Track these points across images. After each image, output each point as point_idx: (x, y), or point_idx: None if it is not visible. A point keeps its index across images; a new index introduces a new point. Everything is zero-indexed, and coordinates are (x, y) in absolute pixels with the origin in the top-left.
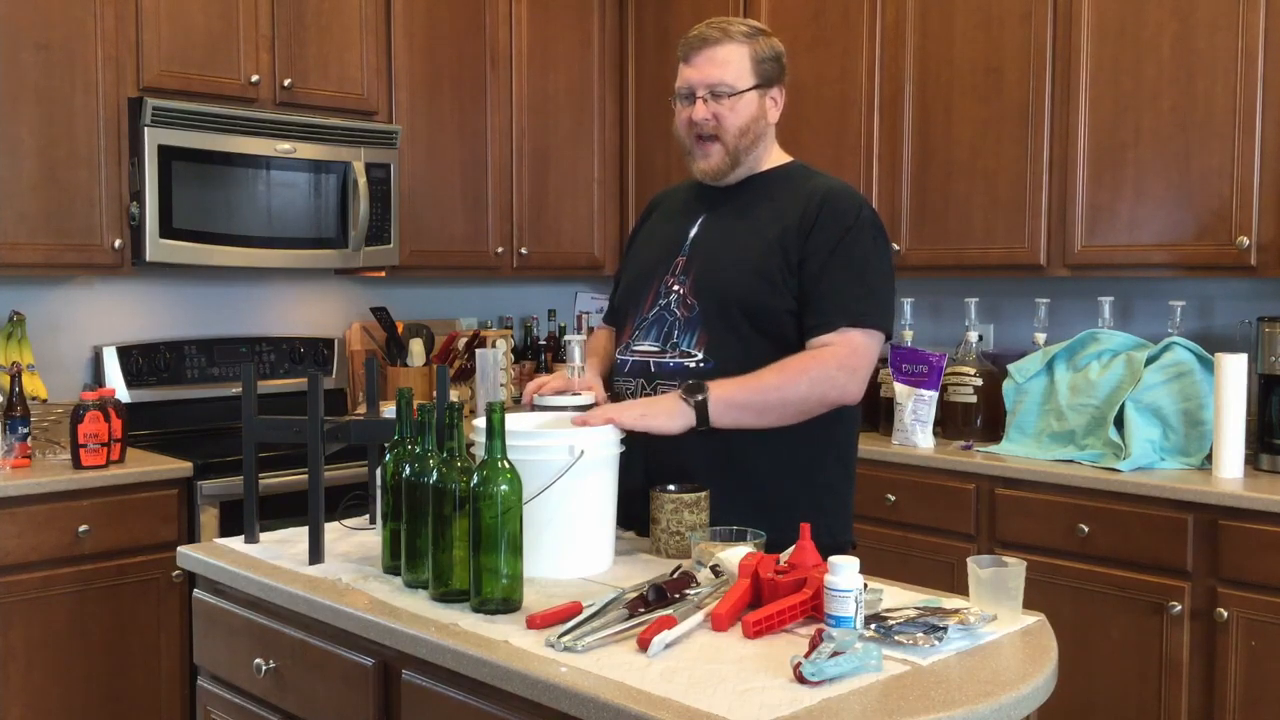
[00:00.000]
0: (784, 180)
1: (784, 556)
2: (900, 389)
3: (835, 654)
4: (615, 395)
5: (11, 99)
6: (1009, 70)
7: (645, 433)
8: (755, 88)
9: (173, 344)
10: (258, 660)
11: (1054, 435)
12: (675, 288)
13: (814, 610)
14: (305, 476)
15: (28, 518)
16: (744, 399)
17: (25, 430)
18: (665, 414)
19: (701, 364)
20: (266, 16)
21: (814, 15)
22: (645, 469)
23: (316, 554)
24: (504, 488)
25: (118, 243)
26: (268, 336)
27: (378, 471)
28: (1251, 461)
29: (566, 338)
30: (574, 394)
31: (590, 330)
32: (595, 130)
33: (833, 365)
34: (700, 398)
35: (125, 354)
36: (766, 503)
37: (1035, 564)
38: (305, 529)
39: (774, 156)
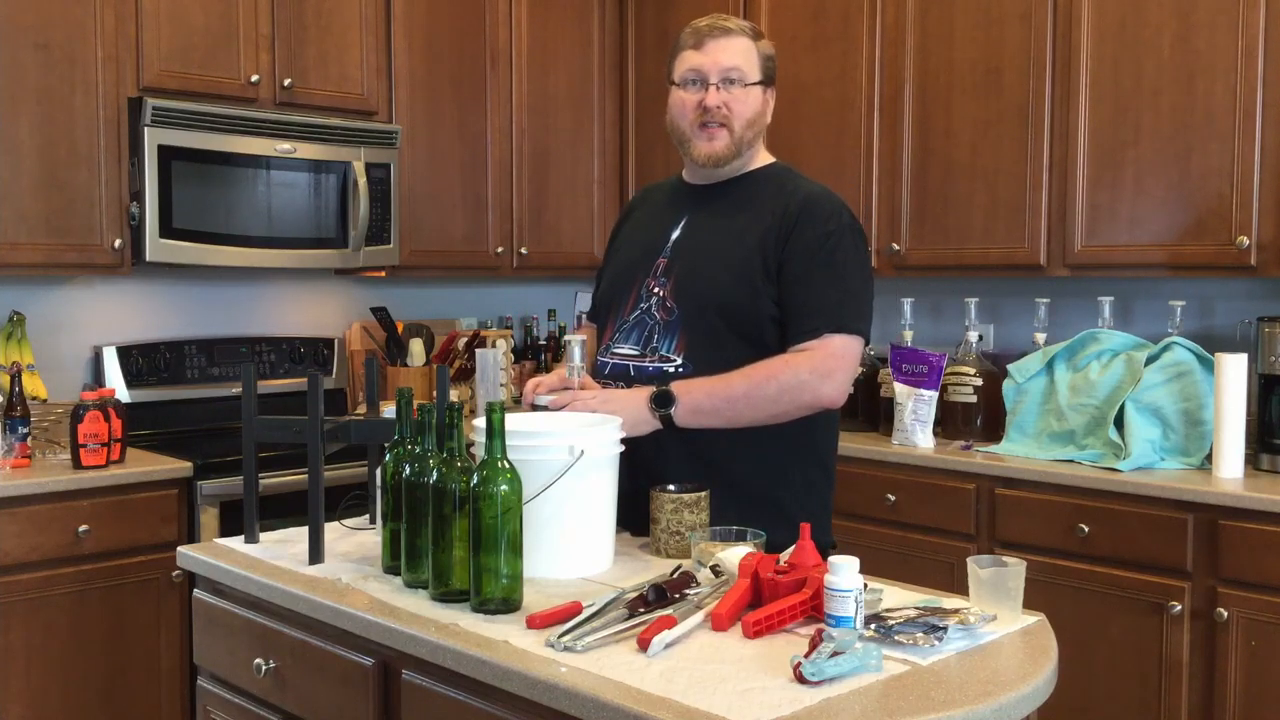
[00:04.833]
0: (767, 182)
1: (784, 556)
2: (900, 389)
3: (835, 654)
4: None
5: (11, 99)
6: (1009, 70)
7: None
8: (760, 83)
9: (173, 344)
10: (258, 660)
11: (1054, 435)
12: (656, 290)
13: (814, 610)
14: (305, 476)
15: (28, 518)
16: (711, 406)
17: (25, 430)
18: (630, 424)
19: (680, 369)
20: (266, 16)
21: (814, 15)
22: (629, 473)
23: (316, 554)
24: (504, 488)
25: (118, 243)
26: (268, 336)
27: (378, 471)
28: (1251, 461)
29: (566, 338)
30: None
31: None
32: (595, 130)
33: (804, 369)
34: (665, 412)
35: (125, 354)
36: (749, 505)
37: (1035, 564)
38: (305, 529)
39: (761, 157)
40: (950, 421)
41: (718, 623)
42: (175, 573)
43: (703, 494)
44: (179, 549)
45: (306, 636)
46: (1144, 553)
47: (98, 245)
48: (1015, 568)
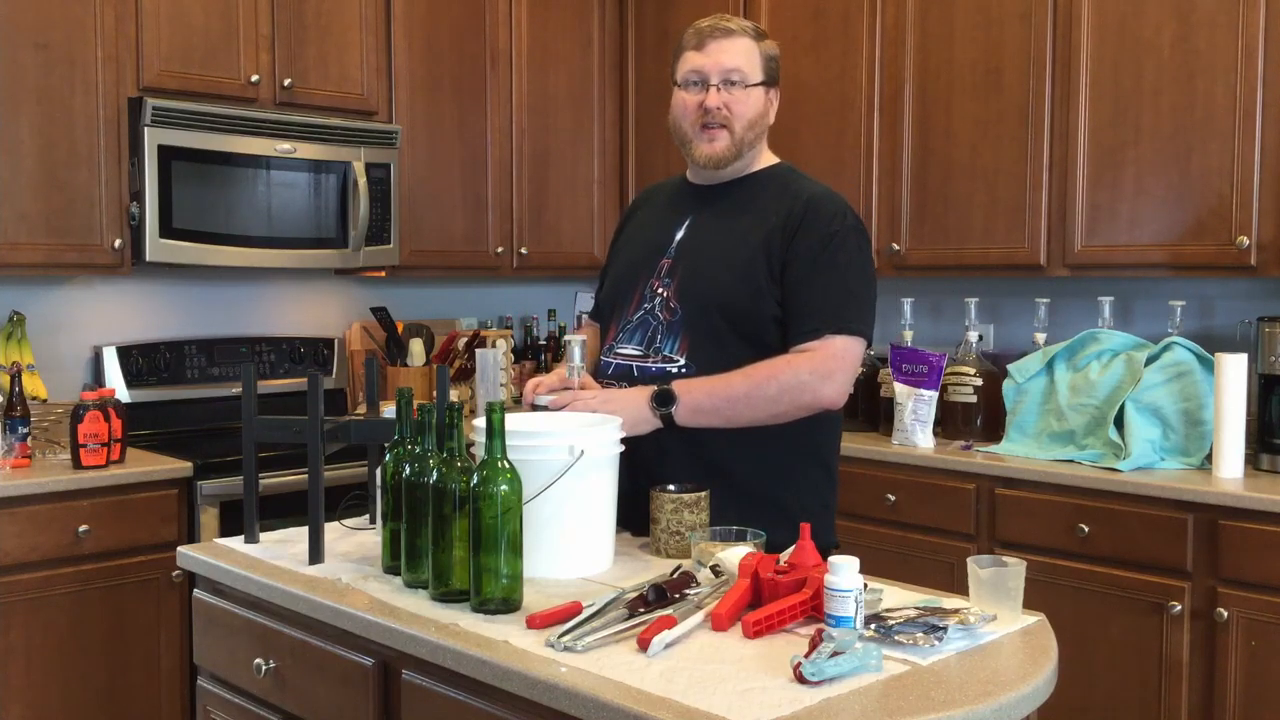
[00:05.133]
0: (771, 183)
1: (784, 556)
2: (900, 389)
3: (835, 654)
4: None
5: (11, 99)
6: (1009, 70)
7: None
8: (762, 84)
9: (173, 344)
10: (258, 660)
11: (1054, 435)
12: (660, 290)
13: (814, 610)
14: (305, 476)
15: (28, 518)
16: (711, 406)
17: (25, 430)
18: (630, 424)
19: (683, 369)
20: (266, 16)
21: (814, 15)
22: (629, 473)
23: (316, 554)
24: (504, 488)
25: (118, 243)
26: (268, 336)
27: (378, 471)
28: (1251, 461)
29: (566, 338)
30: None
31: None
32: (595, 130)
33: (805, 369)
34: (666, 410)
35: (125, 354)
36: (750, 505)
37: (1035, 564)
38: (305, 529)
39: (764, 158)
40: (950, 421)
41: (718, 623)
42: (175, 573)
43: (703, 494)
44: (179, 549)
45: (306, 636)
46: (1144, 553)
47: (98, 245)
48: (1015, 568)
